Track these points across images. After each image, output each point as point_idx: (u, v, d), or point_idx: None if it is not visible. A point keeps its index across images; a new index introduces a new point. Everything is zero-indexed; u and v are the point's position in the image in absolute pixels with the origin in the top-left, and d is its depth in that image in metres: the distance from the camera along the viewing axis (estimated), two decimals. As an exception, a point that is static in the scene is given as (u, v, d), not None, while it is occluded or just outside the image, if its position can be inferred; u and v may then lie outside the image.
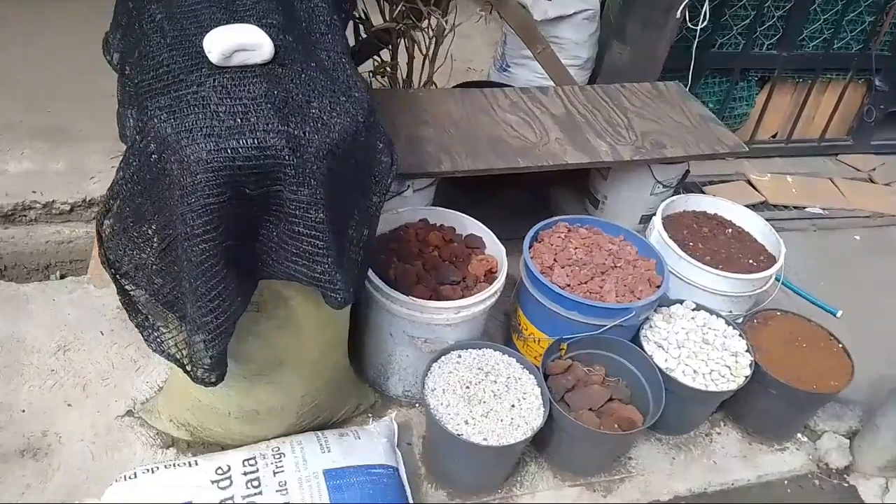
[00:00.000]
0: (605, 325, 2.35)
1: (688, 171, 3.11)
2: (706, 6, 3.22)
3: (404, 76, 3.05)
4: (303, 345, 1.99)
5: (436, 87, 3.08)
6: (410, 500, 2.15)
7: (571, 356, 2.43)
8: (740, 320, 2.64)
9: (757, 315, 2.64)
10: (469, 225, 2.53)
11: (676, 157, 2.71)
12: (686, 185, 3.39)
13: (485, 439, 2.08)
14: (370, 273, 2.22)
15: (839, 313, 3.16)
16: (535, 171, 2.54)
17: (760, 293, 2.64)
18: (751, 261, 2.70)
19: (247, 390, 2.04)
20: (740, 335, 2.51)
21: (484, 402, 2.16)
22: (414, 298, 2.19)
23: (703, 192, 3.50)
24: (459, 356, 2.30)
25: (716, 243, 2.77)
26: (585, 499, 2.34)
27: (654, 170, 2.92)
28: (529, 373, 2.30)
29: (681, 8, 3.08)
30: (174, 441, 2.26)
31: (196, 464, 2.04)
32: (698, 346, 2.44)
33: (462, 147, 2.54)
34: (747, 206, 2.97)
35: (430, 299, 2.27)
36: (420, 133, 2.56)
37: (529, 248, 2.51)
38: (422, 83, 3.02)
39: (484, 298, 2.25)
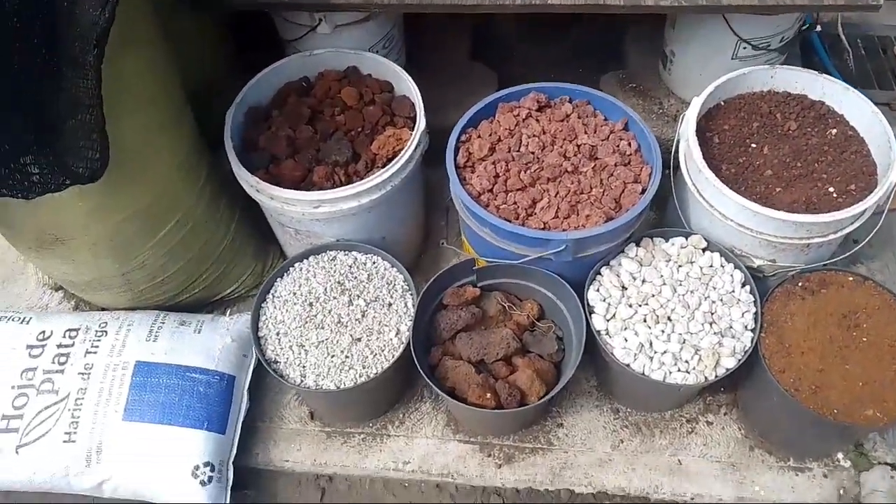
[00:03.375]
0: (526, 255, 1.65)
1: (812, 25, 1.99)
2: None
3: None
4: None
5: None
6: (239, 416, 1.82)
7: (491, 284, 1.78)
8: (781, 278, 1.72)
9: (806, 276, 1.69)
10: (406, 86, 1.86)
11: (745, 3, 1.68)
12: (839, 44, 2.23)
13: (313, 379, 1.63)
14: (227, 134, 1.74)
15: None
16: (494, 11, 1.74)
17: (827, 243, 1.67)
18: (840, 187, 1.69)
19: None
20: (754, 302, 1.64)
21: (322, 328, 1.67)
22: (257, 179, 1.68)
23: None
24: (329, 258, 1.79)
25: (795, 149, 1.78)
26: (472, 462, 1.81)
27: (732, 21, 1.89)
28: (407, 297, 1.73)
29: None
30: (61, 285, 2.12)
31: (28, 322, 1.88)
32: (672, 307, 1.63)
33: (405, -32, 1.80)
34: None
35: (301, 180, 1.74)
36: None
37: (469, 128, 1.79)
38: None
39: (355, 192, 1.66)
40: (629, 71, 2.29)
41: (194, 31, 1.93)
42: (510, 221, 1.63)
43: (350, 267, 1.76)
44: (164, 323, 1.85)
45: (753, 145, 1.81)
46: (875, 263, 2.05)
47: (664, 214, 2.08)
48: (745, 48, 1.95)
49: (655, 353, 1.59)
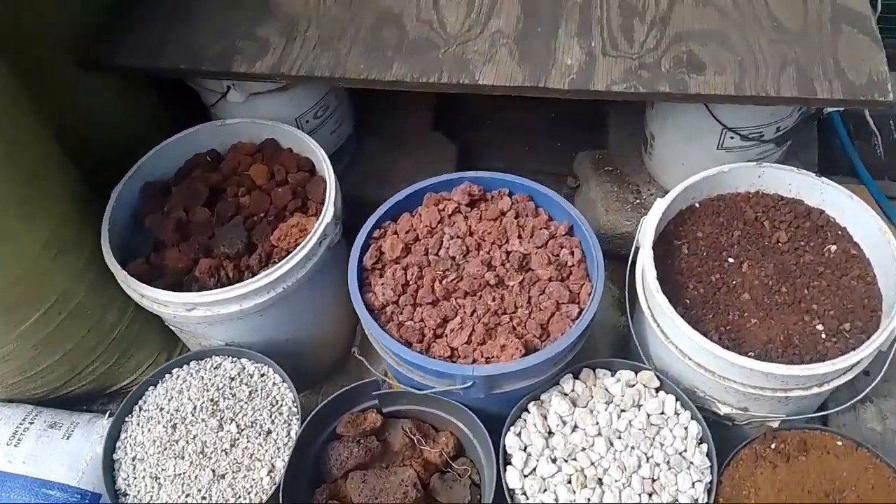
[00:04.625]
0: (433, 388, 1.36)
1: (816, 114, 1.66)
2: None
3: None
4: None
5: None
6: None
7: (400, 410, 1.49)
8: (750, 433, 1.37)
9: (782, 435, 1.35)
10: (322, 165, 1.59)
11: (714, 94, 1.37)
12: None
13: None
14: (107, 214, 1.51)
15: None
16: (415, 89, 1.47)
17: (813, 395, 1.32)
18: (832, 324, 1.35)
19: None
20: (710, 468, 1.30)
21: (182, 458, 1.39)
22: (126, 274, 1.44)
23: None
24: (213, 365, 1.52)
25: (783, 268, 1.45)
26: None
27: (714, 107, 1.57)
28: (293, 422, 1.44)
29: None
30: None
31: None
32: (605, 468, 1.31)
33: (325, 27, 1.55)
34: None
35: (186, 273, 1.49)
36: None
37: (386, 220, 1.52)
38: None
39: (236, 296, 1.40)
40: (609, 151, 1.99)
41: (101, 87, 1.71)
42: (412, 345, 1.34)
43: (232, 379, 1.49)
44: (32, 423, 1.61)
45: (731, 259, 1.48)
46: (889, 403, 1.68)
47: (626, 341, 1.76)
48: (732, 138, 1.63)
49: (578, 524, 1.27)
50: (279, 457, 1.39)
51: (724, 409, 1.39)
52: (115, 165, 1.60)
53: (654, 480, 1.29)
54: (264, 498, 1.34)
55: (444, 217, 1.49)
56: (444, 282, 1.40)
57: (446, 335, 1.36)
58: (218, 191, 1.62)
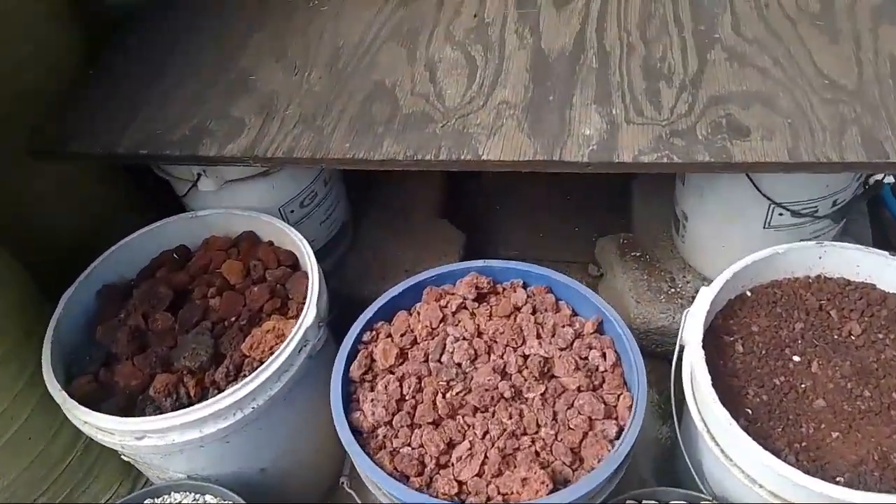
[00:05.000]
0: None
1: (875, 185, 1.44)
2: None
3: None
4: None
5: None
6: None
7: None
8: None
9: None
10: (305, 259, 1.37)
11: (764, 161, 1.15)
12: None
13: None
14: (52, 325, 1.28)
15: None
16: (410, 167, 1.26)
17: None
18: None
19: None
20: None
21: None
22: (65, 396, 1.19)
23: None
24: (171, 505, 1.26)
25: (861, 366, 1.19)
26: None
27: (759, 179, 1.35)
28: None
29: None
30: None
31: None
32: None
33: (308, 104, 1.37)
34: None
35: (142, 391, 1.25)
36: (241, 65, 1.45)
37: (378, 321, 1.28)
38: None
39: (193, 420, 1.15)
40: (634, 235, 1.76)
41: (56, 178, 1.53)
42: (409, 479, 1.07)
43: (189, 523, 1.22)
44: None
45: (796, 358, 1.22)
46: None
47: (672, 456, 1.48)
48: (781, 214, 1.40)
49: None
50: None
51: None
52: (77, 263, 1.40)
53: None
54: None
55: (446, 315, 1.26)
56: (448, 395, 1.14)
57: (452, 464, 1.09)
58: (185, 293, 1.39)
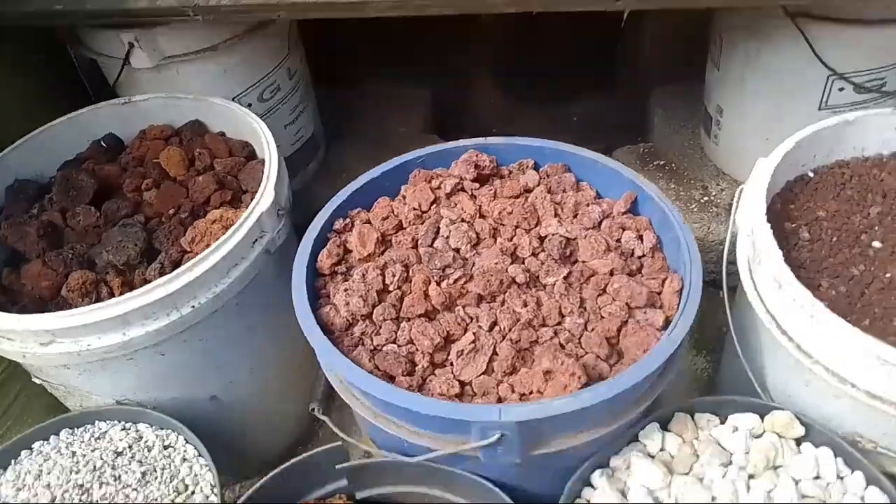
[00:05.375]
0: (434, 450, 0.81)
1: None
2: None
3: None
4: None
5: None
6: None
7: (385, 494, 0.93)
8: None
9: None
10: (263, 142, 1.10)
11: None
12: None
13: None
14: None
15: None
16: (386, 13, 1.00)
17: None
18: None
19: None
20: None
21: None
22: (-53, 294, 0.92)
23: None
24: (95, 435, 0.98)
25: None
26: None
27: (823, 47, 1.11)
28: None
29: None
30: None
31: None
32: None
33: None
34: None
35: (56, 294, 0.98)
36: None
37: (354, 209, 1.02)
38: None
39: (118, 315, 0.88)
40: (656, 145, 1.52)
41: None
42: (394, 379, 0.81)
43: (119, 455, 0.95)
44: None
45: (877, 244, 0.98)
46: None
47: (717, 367, 1.24)
48: (841, 89, 1.16)
49: None
50: (177, 584, 0.83)
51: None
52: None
53: None
54: None
55: (439, 198, 1.00)
56: (443, 284, 0.88)
57: (451, 363, 0.83)
58: (114, 187, 1.13)
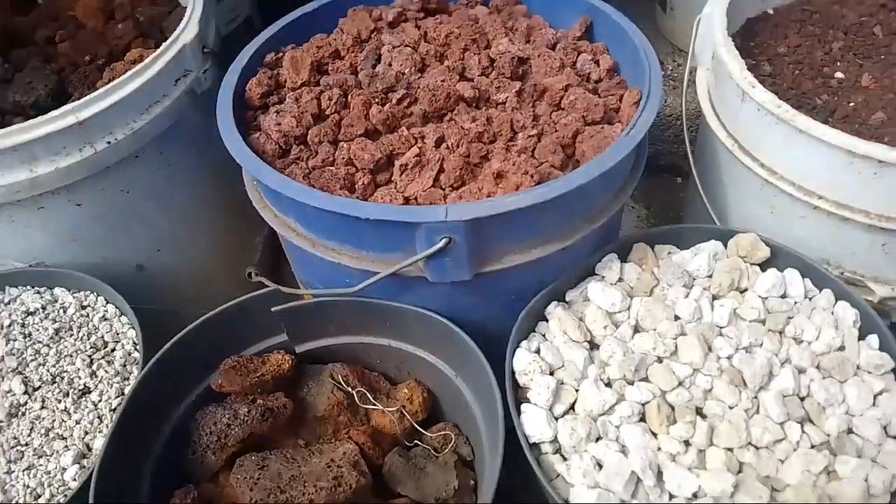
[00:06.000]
0: (372, 271, 0.73)
1: None
2: None
3: None
4: None
5: None
6: None
7: (325, 346, 0.86)
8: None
9: None
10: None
11: None
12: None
13: None
14: None
15: None
16: None
17: None
18: None
19: None
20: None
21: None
22: None
23: None
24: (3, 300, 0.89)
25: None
26: None
27: None
28: (133, 370, 0.81)
29: None
30: None
31: None
32: (708, 386, 0.69)
33: None
34: None
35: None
36: None
37: (286, 46, 0.94)
38: None
39: (20, 143, 0.79)
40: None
41: None
42: (332, 193, 0.74)
43: (30, 314, 0.86)
44: None
45: (839, 75, 0.93)
46: None
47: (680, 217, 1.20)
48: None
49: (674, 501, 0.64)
50: (98, 432, 0.75)
51: (880, 292, 0.81)
52: None
53: (802, 399, 0.68)
54: (63, 501, 0.69)
55: (379, 27, 0.92)
56: (386, 106, 0.81)
57: (395, 181, 0.76)
58: (25, 41, 1.02)
